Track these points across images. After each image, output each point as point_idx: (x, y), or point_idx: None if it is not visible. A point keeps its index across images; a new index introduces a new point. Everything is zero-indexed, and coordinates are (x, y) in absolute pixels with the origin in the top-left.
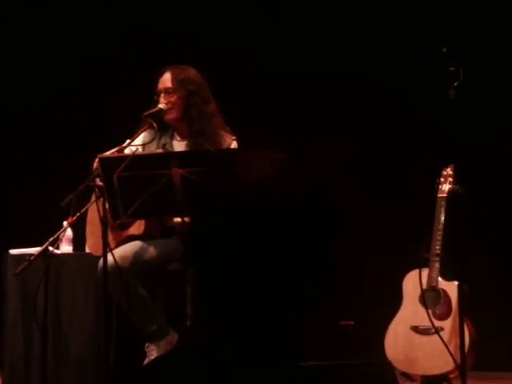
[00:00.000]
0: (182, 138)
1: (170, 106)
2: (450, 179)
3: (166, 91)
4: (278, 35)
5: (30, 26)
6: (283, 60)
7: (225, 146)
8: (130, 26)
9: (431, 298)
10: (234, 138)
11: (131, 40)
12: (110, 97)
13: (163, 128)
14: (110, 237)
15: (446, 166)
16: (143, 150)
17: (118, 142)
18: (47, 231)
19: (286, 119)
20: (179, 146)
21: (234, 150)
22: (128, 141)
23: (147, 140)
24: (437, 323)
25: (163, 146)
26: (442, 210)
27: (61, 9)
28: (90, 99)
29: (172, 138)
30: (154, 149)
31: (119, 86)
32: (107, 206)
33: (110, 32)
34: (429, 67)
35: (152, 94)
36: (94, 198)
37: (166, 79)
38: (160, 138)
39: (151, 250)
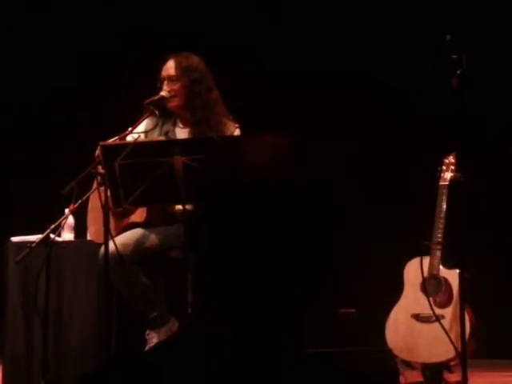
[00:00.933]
0: (185, 125)
1: (172, 93)
2: (452, 167)
3: (170, 79)
4: (277, 35)
5: (30, 25)
6: (283, 59)
7: (228, 133)
8: (130, 26)
9: (432, 285)
10: (237, 125)
11: (131, 40)
12: (110, 95)
13: (166, 115)
14: (112, 224)
15: (448, 154)
16: (145, 137)
17: (119, 129)
18: (49, 218)
19: (286, 118)
20: (182, 133)
21: (236, 136)
22: (130, 128)
23: (149, 127)
24: (438, 311)
25: (165, 134)
26: (444, 198)
27: (61, 9)
28: (91, 86)
29: (175, 125)
30: (156, 136)
31: (119, 85)
32: (109, 193)
33: (110, 32)
34: (429, 67)
35: (152, 92)
36: (95, 185)
37: (170, 67)
38: (162, 126)
39: (152, 238)
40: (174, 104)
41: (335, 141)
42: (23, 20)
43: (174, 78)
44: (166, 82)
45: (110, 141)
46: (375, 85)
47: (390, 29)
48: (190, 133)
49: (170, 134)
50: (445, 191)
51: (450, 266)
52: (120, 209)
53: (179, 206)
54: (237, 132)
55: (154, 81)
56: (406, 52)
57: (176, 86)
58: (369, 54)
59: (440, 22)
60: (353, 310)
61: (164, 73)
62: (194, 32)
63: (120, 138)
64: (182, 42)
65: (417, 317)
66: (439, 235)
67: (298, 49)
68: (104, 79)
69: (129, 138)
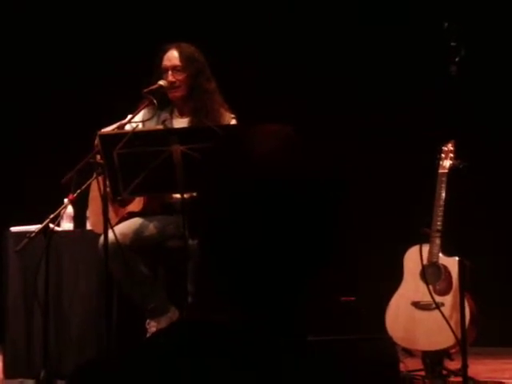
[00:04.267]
0: (182, 115)
1: (177, 83)
2: (451, 155)
3: (175, 69)
4: (276, 28)
5: (30, 18)
6: (280, 46)
7: (224, 123)
8: (129, 17)
9: (432, 273)
10: (233, 116)
11: (130, 31)
12: (110, 81)
13: (163, 105)
14: (112, 214)
15: (447, 142)
16: (143, 126)
17: (118, 118)
18: (48, 208)
19: (282, 94)
20: (179, 122)
21: (238, 125)
22: (128, 117)
23: (147, 117)
24: (437, 299)
25: (163, 122)
26: (443, 185)
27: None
28: (89, 81)
29: (172, 114)
30: (153, 125)
31: (117, 75)
32: (108, 182)
33: (108, 23)
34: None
35: (149, 81)
36: (95, 174)
37: (174, 57)
38: (159, 115)
39: (151, 227)
40: (178, 94)
41: (333, 118)
42: (22, 12)
43: (179, 68)
44: (170, 72)
45: (109, 128)
46: (374, 73)
47: (389, 20)
48: (188, 122)
49: (167, 123)
50: (444, 179)
51: (449, 253)
52: (119, 198)
53: (178, 195)
54: (233, 122)
55: (150, 70)
56: (405, 40)
57: (181, 77)
58: (366, 42)
59: (438, 10)
60: (353, 298)
61: (167, 63)
62: (191, 23)
63: (118, 128)
64: (178, 34)
65: (417, 304)
66: (439, 223)
67: (296, 42)
68: (102, 69)
69: (127, 128)
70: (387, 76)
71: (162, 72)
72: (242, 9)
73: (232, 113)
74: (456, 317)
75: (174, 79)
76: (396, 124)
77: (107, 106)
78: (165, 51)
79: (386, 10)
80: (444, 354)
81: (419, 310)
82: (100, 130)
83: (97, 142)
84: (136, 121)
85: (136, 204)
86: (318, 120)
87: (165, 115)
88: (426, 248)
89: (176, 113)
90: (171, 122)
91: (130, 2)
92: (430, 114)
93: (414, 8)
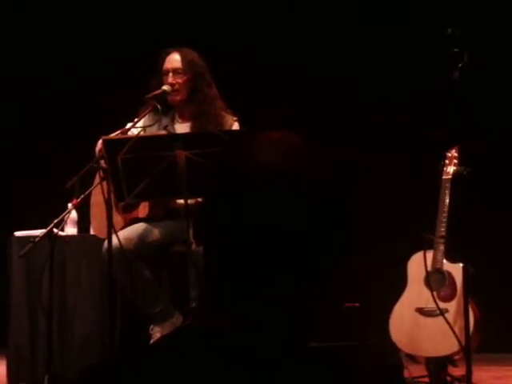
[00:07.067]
0: (184, 120)
1: (176, 87)
2: (455, 161)
3: (175, 71)
4: (277, 25)
5: (29, 20)
6: (280, 46)
7: (227, 127)
8: (129, 20)
9: (436, 279)
10: (235, 118)
11: (130, 35)
12: (110, 81)
13: (164, 110)
14: (117, 219)
15: (451, 148)
16: (144, 132)
17: (120, 124)
18: (52, 213)
19: (282, 94)
20: (181, 127)
21: (239, 131)
22: (129, 124)
23: (148, 123)
24: (442, 305)
25: (165, 128)
26: (447, 191)
27: (59, 3)
28: (91, 83)
29: (173, 120)
30: (155, 131)
31: (118, 80)
32: (111, 187)
33: (109, 24)
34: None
35: (148, 86)
36: (97, 179)
37: (175, 60)
38: (161, 121)
39: (155, 232)
40: (178, 98)
41: (334, 129)
42: (21, 12)
43: (179, 71)
44: (170, 75)
45: (113, 135)
46: (374, 73)
47: (389, 20)
48: (190, 127)
49: (169, 128)
50: (448, 185)
51: (453, 259)
52: (122, 203)
53: (181, 201)
54: (235, 125)
55: (150, 70)
56: (405, 40)
57: (181, 80)
58: (366, 42)
59: (438, 10)
60: (357, 304)
61: (169, 65)
62: (191, 23)
63: (122, 133)
64: (179, 37)
65: (421, 311)
66: (442, 229)
67: (296, 42)
68: (103, 73)
69: (131, 133)
70: (387, 76)
71: (162, 75)
72: (242, 9)
73: (234, 115)
74: (460, 323)
75: (174, 81)
76: (399, 130)
77: (107, 106)
78: (166, 54)
79: (386, 10)
80: (448, 360)
81: (423, 316)
82: (100, 131)
83: (100, 147)
84: (138, 126)
85: (141, 209)
86: (318, 120)
87: (166, 121)
88: (429, 254)
89: (177, 118)
90: (173, 128)
91: (129, 2)
92: (434, 120)
93: (414, 8)
